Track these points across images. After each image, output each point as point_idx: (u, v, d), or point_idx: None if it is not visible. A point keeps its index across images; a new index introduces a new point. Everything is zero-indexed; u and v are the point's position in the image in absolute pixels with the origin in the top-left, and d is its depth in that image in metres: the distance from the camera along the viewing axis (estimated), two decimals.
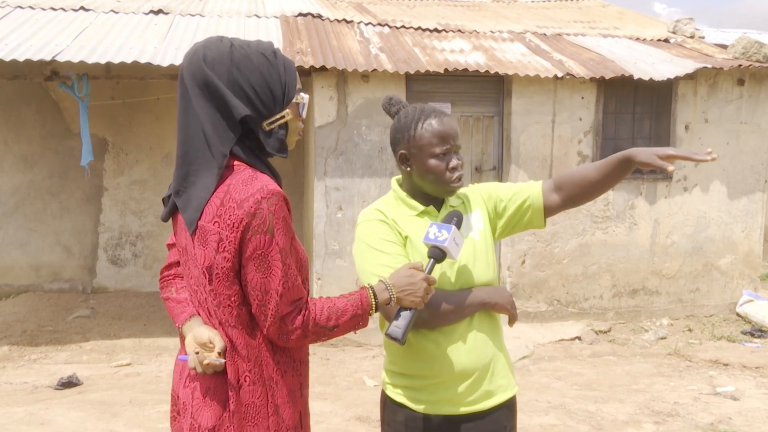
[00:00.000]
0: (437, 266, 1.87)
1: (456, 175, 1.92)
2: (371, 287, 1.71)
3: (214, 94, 1.57)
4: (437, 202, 2.00)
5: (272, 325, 1.57)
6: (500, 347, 2.00)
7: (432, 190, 1.96)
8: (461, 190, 2.06)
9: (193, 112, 1.58)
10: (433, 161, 1.90)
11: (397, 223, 1.94)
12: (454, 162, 1.91)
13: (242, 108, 1.56)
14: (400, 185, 2.02)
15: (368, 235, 1.93)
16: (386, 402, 2.04)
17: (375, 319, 1.75)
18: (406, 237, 1.93)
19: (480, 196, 2.06)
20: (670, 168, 1.82)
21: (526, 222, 2.05)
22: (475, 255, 1.96)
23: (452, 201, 2.01)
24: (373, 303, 1.69)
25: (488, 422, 1.95)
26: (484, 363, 1.93)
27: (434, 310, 1.85)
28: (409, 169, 1.95)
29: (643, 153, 1.87)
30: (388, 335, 1.75)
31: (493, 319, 1.99)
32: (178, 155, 1.61)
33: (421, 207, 1.97)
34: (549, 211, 2.02)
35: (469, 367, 1.91)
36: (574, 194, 1.99)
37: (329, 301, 1.64)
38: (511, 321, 1.99)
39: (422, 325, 1.87)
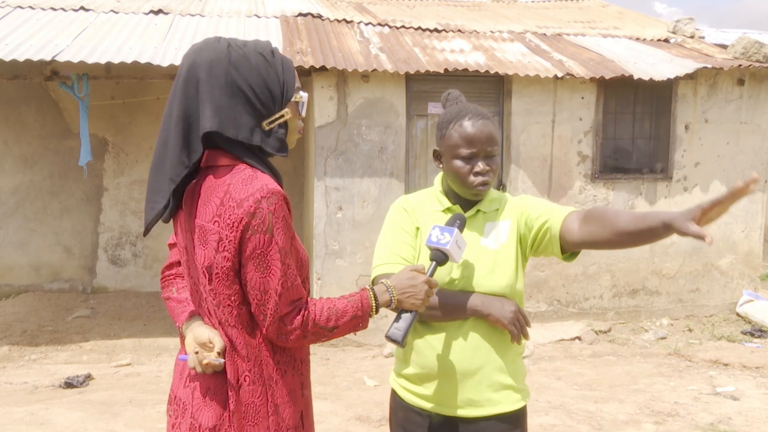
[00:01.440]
0: (444, 267, 1.87)
1: (479, 180, 1.90)
2: (372, 289, 1.71)
3: (194, 100, 1.57)
4: (467, 204, 1.98)
5: (271, 325, 1.57)
6: (503, 357, 1.92)
7: (458, 190, 1.97)
8: (510, 199, 2.03)
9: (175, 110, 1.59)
10: (457, 162, 1.91)
11: (416, 213, 1.99)
12: (479, 167, 1.89)
13: (208, 122, 1.55)
14: (442, 181, 2.06)
15: (388, 219, 2.03)
16: (391, 392, 2.09)
17: (375, 320, 1.74)
18: (417, 228, 1.97)
19: (516, 209, 1.99)
20: (708, 239, 1.46)
21: (545, 245, 1.91)
22: (490, 264, 1.92)
23: (486, 206, 1.98)
24: (374, 305, 1.69)
25: (473, 430, 1.92)
26: (467, 369, 1.89)
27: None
28: (440, 166, 1.99)
29: (680, 219, 1.54)
30: (388, 337, 1.75)
31: (497, 329, 1.91)
32: (155, 156, 1.62)
33: (447, 204, 1.99)
34: (567, 242, 1.84)
35: (449, 370, 1.89)
36: (596, 232, 1.75)
37: (329, 302, 1.64)
38: (513, 338, 1.89)
39: None
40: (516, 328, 1.87)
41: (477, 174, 1.90)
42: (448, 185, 2.00)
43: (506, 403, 1.93)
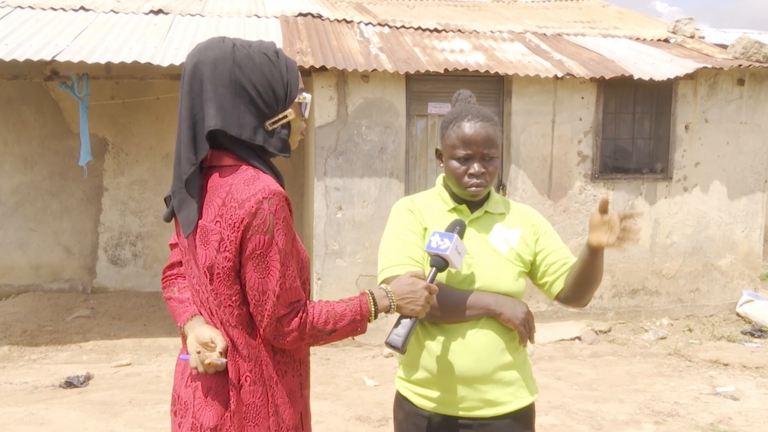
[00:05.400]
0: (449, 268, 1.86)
1: (473, 181, 1.91)
2: (371, 293, 1.71)
3: (199, 99, 1.57)
4: (472, 204, 1.99)
5: (268, 326, 1.57)
6: (514, 356, 1.94)
7: (455, 190, 1.98)
8: (514, 205, 2.06)
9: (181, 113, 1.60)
10: (454, 163, 1.93)
11: (423, 214, 1.98)
12: (474, 169, 1.90)
13: (212, 120, 1.55)
14: (443, 181, 2.06)
15: (393, 221, 2.00)
16: (396, 395, 2.07)
17: (375, 320, 1.74)
18: (425, 228, 1.96)
19: (527, 220, 2.04)
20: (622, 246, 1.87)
21: (541, 282, 2.03)
22: (498, 265, 1.94)
23: (493, 207, 2.00)
24: (373, 310, 1.68)
25: (489, 431, 1.93)
26: (485, 370, 1.89)
27: (436, 305, 1.84)
28: (441, 165, 2.00)
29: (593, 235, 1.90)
30: (388, 344, 1.74)
31: (507, 328, 1.93)
32: (174, 156, 1.63)
33: (452, 204, 1.99)
34: (558, 295, 2.04)
35: (468, 372, 1.89)
36: (572, 291, 2.03)
37: (328, 305, 1.64)
38: (521, 340, 1.92)
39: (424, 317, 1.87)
40: (526, 329, 1.90)
41: (471, 176, 1.91)
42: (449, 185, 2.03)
43: (519, 400, 1.95)
